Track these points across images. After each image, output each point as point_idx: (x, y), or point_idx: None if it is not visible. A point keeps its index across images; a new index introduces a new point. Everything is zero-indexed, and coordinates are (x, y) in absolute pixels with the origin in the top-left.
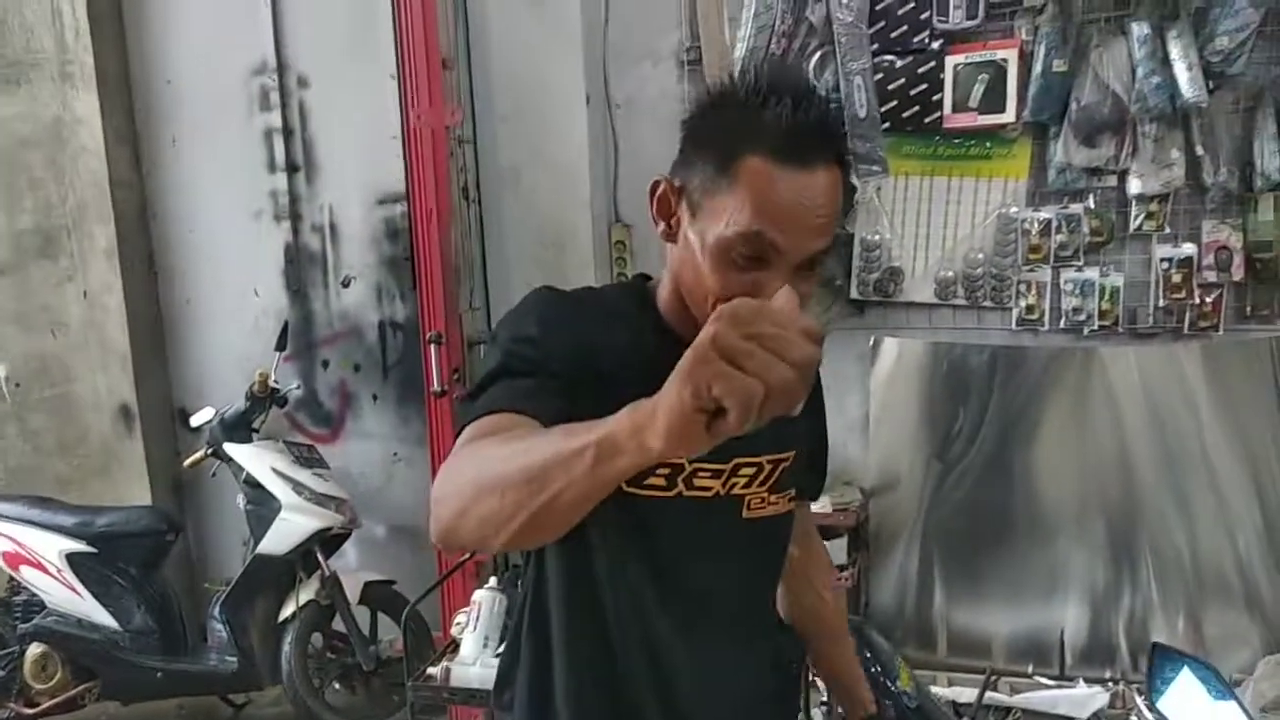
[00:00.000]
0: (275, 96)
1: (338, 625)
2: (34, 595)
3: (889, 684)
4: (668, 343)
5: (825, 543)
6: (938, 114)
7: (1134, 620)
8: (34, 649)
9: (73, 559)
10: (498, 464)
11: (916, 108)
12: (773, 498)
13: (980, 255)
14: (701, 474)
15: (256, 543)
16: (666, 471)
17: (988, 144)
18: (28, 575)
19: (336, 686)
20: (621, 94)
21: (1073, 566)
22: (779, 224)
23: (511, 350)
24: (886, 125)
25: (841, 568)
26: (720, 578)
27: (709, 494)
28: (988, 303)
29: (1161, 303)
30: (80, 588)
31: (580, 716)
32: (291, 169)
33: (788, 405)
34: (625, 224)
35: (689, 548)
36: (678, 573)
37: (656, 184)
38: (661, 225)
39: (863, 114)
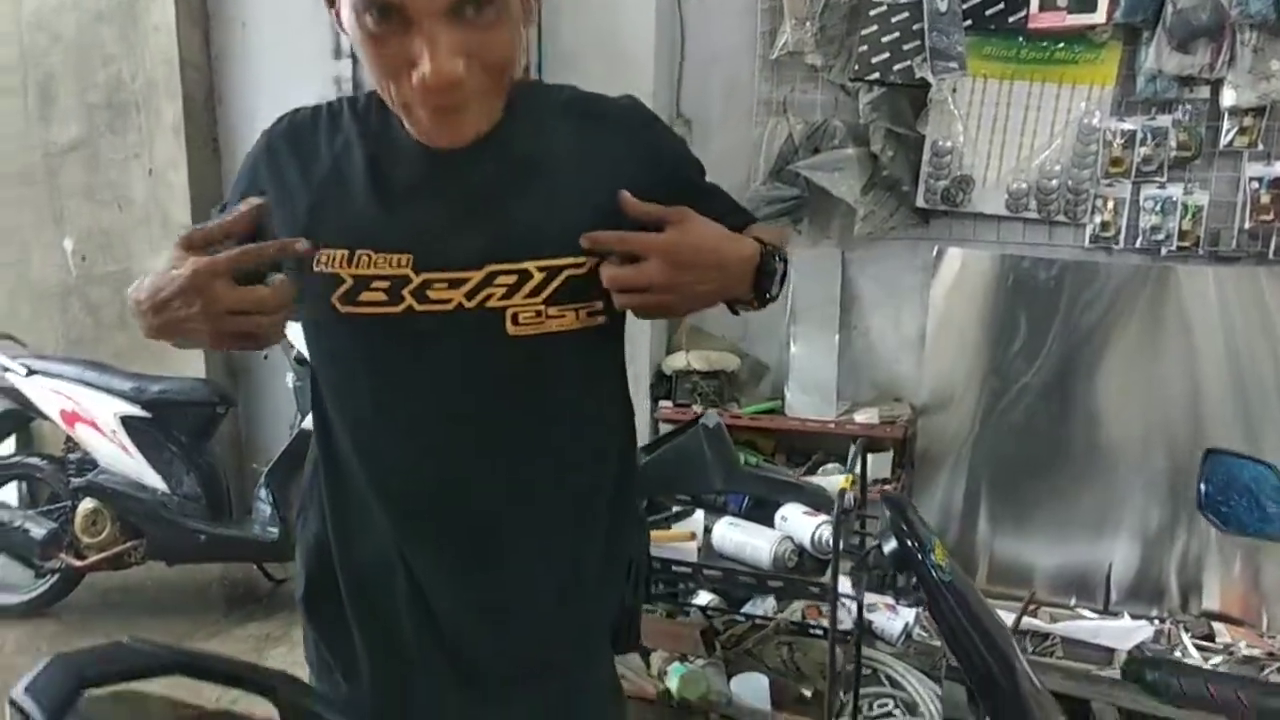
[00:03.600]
0: None
1: None
2: (88, 454)
3: (921, 556)
4: (404, 147)
5: (870, 454)
6: (1023, 13)
7: (1187, 561)
8: (85, 504)
9: (127, 421)
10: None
11: (1001, 5)
12: (554, 311)
13: (1057, 166)
14: (437, 285)
15: (302, 418)
16: (387, 285)
17: (1075, 47)
18: (83, 434)
19: None
20: None
21: (1128, 500)
22: None
23: (230, 192)
24: (968, 23)
25: (885, 482)
26: (482, 411)
27: (448, 306)
28: (1061, 217)
29: (1247, 225)
30: (133, 449)
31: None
32: (356, 56)
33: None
34: (686, 119)
35: (428, 374)
36: (421, 403)
37: None
38: (332, 16)
39: (943, 8)
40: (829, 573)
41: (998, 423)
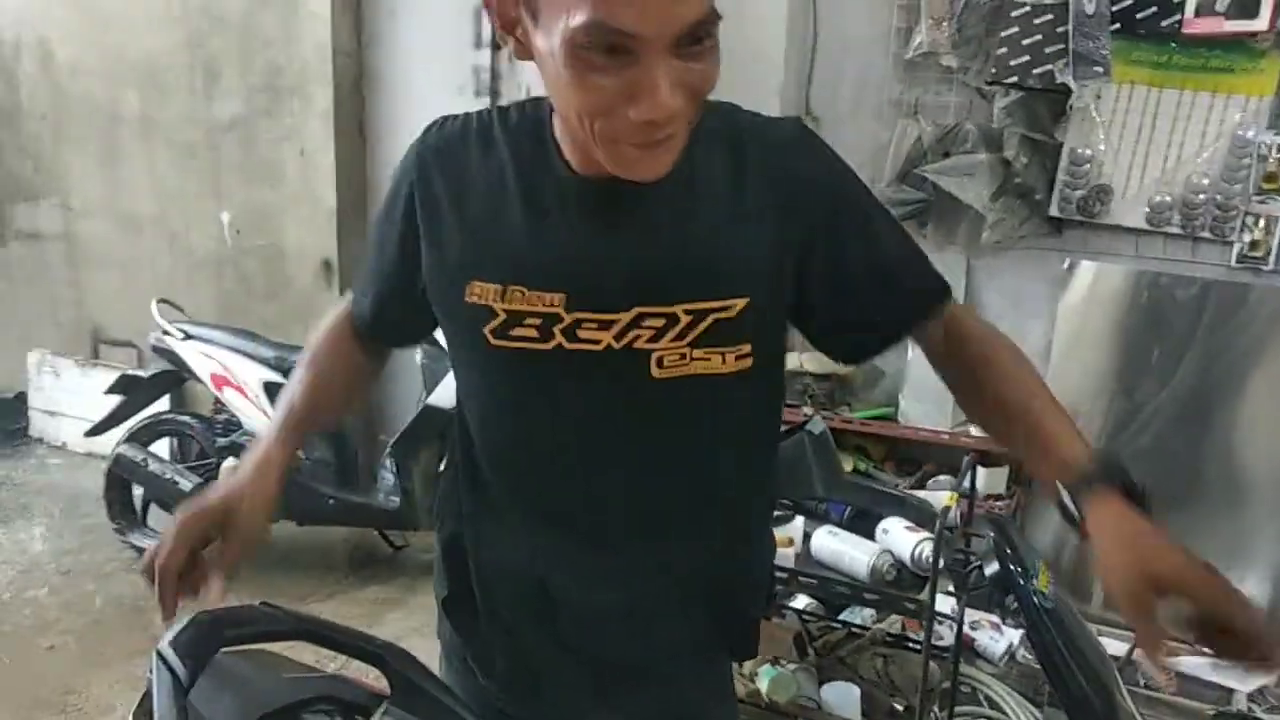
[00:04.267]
0: None
1: None
2: (233, 415)
3: (1023, 581)
4: (559, 178)
5: (983, 469)
6: (1177, 17)
7: None
8: (229, 462)
9: (269, 387)
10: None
11: (1154, 9)
12: (699, 353)
13: (1205, 180)
14: (587, 325)
15: (427, 394)
16: (538, 321)
17: (1231, 55)
18: (229, 397)
19: None
20: None
21: (1263, 535)
22: (624, 1)
23: (379, 215)
24: (1116, 26)
25: (998, 498)
26: (623, 445)
27: (598, 346)
28: (1206, 234)
29: None
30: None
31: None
32: (495, 46)
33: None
34: (814, 116)
35: (573, 409)
36: (562, 433)
37: None
38: (510, 43)
39: (1090, 10)
40: (926, 590)
41: (1125, 444)
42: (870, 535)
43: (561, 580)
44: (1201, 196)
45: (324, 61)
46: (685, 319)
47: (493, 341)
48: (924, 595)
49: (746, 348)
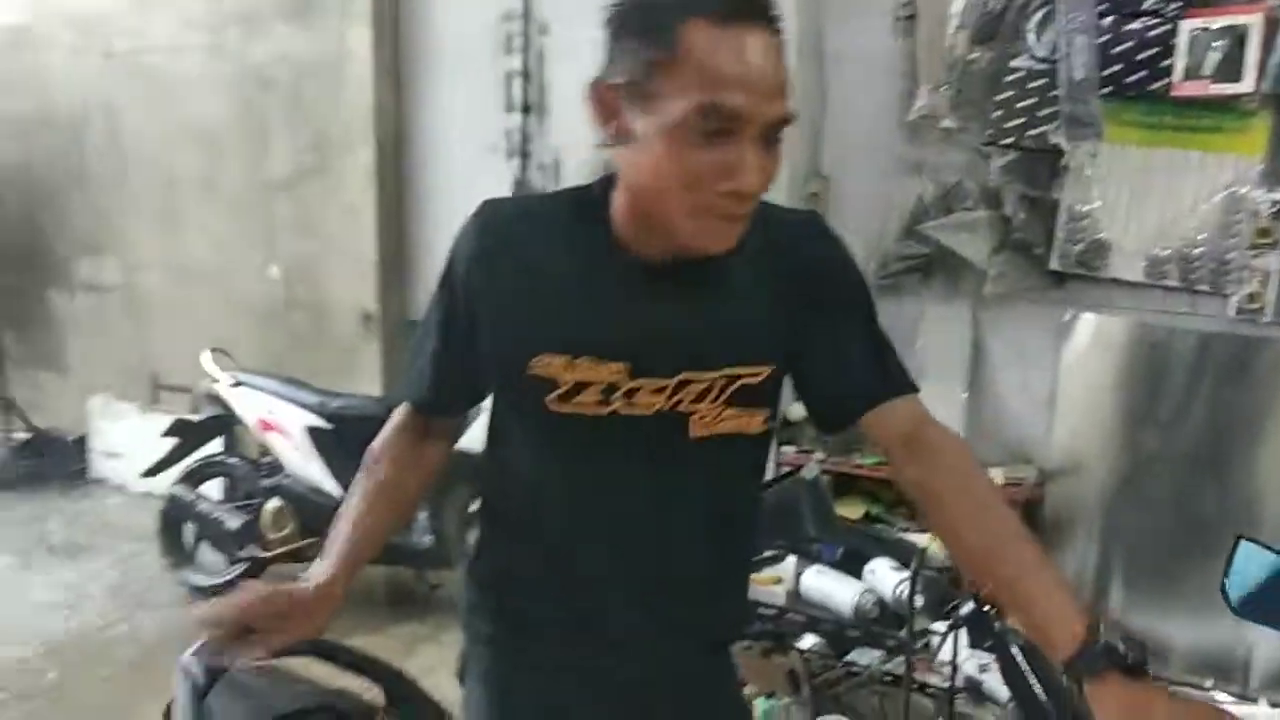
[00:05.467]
0: (518, 41)
1: None
2: (278, 459)
3: (995, 619)
4: (614, 257)
5: None
6: (1165, 80)
7: None
8: (272, 503)
9: (312, 432)
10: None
11: (1143, 72)
12: (728, 414)
13: (1201, 235)
14: (643, 390)
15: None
16: (601, 386)
17: (1220, 116)
18: (274, 441)
19: None
20: (834, 46)
21: None
22: (735, 87)
23: (434, 296)
24: (1107, 89)
25: None
26: (655, 504)
27: (647, 411)
28: (1204, 287)
29: None
30: (315, 457)
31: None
32: (525, 110)
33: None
34: (824, 176)
35: (617, 467)
36: (604, 481)
37: (594, 86)
38: (608, 129)
39: (1079, 76)
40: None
41: (1135, 493)
42: (859, 575)
43: (584, 632)
44: (1198, 250)
45: (366, 122)
46: (721, 383)
47: (552, 407)
48: (904, 632)
49: (767, 410)
